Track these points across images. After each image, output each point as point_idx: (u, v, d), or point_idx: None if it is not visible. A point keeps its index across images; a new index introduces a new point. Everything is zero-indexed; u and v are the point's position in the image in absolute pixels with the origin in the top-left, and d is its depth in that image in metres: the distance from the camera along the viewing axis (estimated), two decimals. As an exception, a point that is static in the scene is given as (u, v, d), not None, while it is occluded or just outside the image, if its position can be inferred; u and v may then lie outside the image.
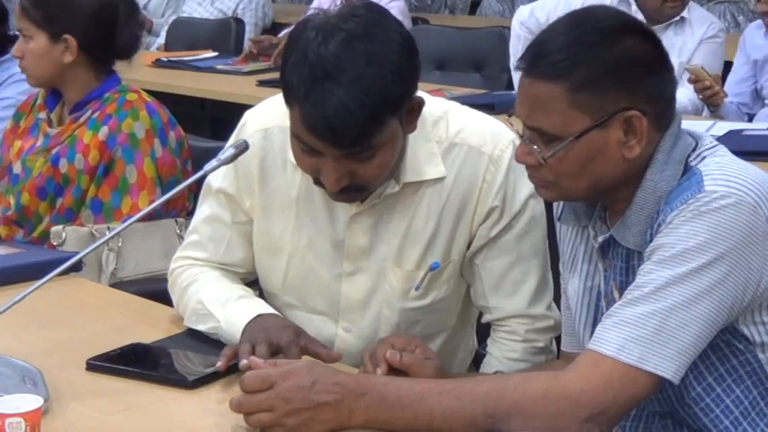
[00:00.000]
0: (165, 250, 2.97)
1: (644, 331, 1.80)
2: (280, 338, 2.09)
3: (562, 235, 2.13)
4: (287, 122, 2.15)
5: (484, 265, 2.27)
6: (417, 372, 2.00)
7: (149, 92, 3.23)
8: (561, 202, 2.08)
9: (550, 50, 1.87)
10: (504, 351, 2.30)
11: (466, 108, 2.31)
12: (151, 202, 2.99)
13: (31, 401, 1.73)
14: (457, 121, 2.25)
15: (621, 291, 1.94)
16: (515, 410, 1.79)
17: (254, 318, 2.17)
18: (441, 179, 2.22)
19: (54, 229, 2.96)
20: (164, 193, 3.01)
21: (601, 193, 1.94)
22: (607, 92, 1.85)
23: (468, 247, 2.27)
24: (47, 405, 1.88)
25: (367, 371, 2.02)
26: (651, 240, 1.87)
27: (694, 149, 1.92)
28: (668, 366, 1.80)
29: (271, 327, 2.13)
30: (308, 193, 2.26)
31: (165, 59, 5.82)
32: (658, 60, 1.90)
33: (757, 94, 4.66)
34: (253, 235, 2.34)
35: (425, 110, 2.16)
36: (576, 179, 1.89)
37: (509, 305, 2.28)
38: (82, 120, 3.06)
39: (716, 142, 1.96)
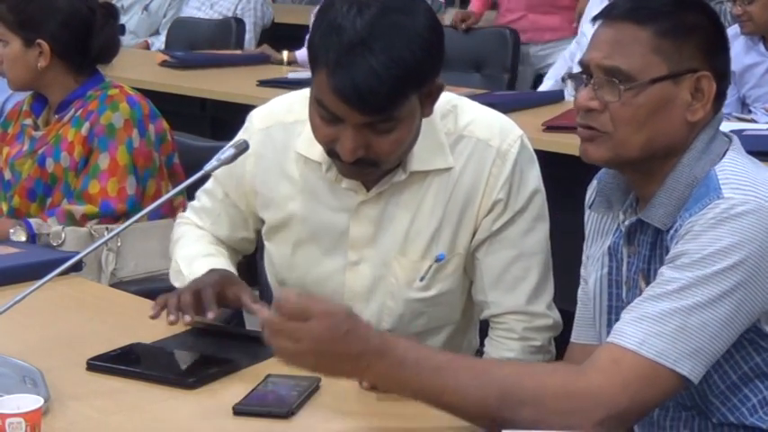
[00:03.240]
0: (164, 250, 2.96)
1: (666, 327, 1.80)
2: (202, 284, 2.18)
3: (592, 232, 2.12)
4: (288, 118, 2.24)
5: (485, 260, 2.27)
6: None
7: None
8: (593, 190, 2.07)
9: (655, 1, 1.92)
10: (500, 350, 2.30)
11: (475, 103, 2.33)
12: (121, 189, 3.02)
13: (32, 401, 1.73)
14: (466, 114, 2.27)
15: (647, 279, 1.95)
16: (531, 399, 1.78)
17: (205, 273, 2.27)
18: (447, 170, 2.23)
19: (54, 229, 2.96)
20: (138, 182, 3.05)
21: (648, 159, 1.92)
22: (688, 46, 1.90)
23: (473, 239, 2.27)
24: (47, 405, 1.88)
25: None
26: (675, 233, 1.87)
27: (727, 149, 1.94)
28: (686, 364, 1.80)
29: (204, 277, 2.23)
30: (313, 183, 2.28)
31: (175, 60, 5.78)
32: (726, 46, 1.96)
33: (743, 102, 4.64)
34: (256, 223, 2.42)
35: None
36: (636, 131, 1.90)
37: (507, 301, 2.28)
38: (66, 118, 3.08)
39: (737, 145, 1.97)
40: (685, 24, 1.90)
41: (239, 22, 6.86)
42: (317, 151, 2.23)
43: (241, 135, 2.34)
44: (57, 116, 3.11)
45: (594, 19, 1.96)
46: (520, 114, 4.25)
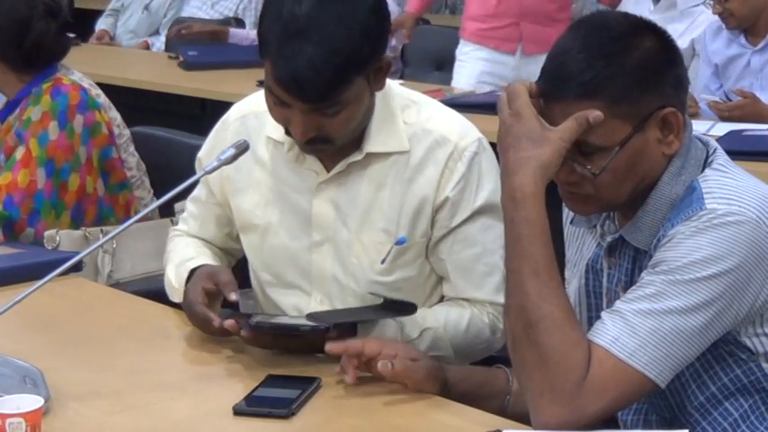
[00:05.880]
0: (158, 250, 2.94)
1: (639, 328, 1.81)
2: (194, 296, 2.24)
3: (570, 236, 2.13)
4: (261, 108, 2.31)
5: (450, 258, 2.32)
6: (409, 376, 2.00)
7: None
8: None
9: (577, 70, 1.85)
10: (454, 313, 2.32)
11: (436, 101, 2.41)
12: (31, 182, 2.98)
13: (32, 401, 1.73)
14: (428, 110, 2.34)
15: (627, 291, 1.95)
16: (538, 344, 1.81)
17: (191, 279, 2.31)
18: (405, 156, 2.28)
19: (47, 233, 2.95)
20: (50, 176, 2.99)
21: (638, 195, 1.92)
22: (641, 97, 1.86)
23: (431, 236, 2.31)
24: (47, 405, 1.88)
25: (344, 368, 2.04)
26: (657, 243, 1.87)
27: (707, 158, 1.93)
28: (655, 367, 1.81)
29: (189, 291, 2.27)
30: (279, 165, 2.35)
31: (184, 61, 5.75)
32: (671, 49, 1.92)
33: (727, 98, 4.63)
34: (233, 216, 2.44)
35: (396, 93, 2.31)
36: (619, 186, 1.89)
37: (477, 293, 2.32)
38: (11, 119, 3.07)
39: (721, 152, 1.96)
40: (628, 80, 1.84)
41: (239, 23, 6.85)
42: (281, 132, 2.30)
43: (218, 127, 2.45)
44: (9, 117, 3.09)
45: (542, 97, 1.89)
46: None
